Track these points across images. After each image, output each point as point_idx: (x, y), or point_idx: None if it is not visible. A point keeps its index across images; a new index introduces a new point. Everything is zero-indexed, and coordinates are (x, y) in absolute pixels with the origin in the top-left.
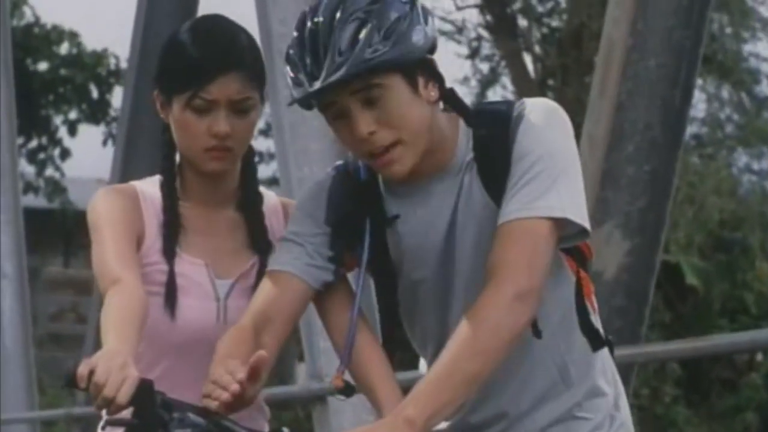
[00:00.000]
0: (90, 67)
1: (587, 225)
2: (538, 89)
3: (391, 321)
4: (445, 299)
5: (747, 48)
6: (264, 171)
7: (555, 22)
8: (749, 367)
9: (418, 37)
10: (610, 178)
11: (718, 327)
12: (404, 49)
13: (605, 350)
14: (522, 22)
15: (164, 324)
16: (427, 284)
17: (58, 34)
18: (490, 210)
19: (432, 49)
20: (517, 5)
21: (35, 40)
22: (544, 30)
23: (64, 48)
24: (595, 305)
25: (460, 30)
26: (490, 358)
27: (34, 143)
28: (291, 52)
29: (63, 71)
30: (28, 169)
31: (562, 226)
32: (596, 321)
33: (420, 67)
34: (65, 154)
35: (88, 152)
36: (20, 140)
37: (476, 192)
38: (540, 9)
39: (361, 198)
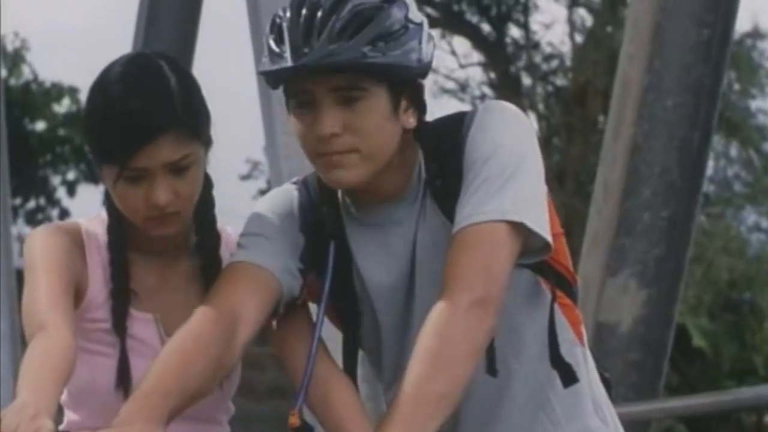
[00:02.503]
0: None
1: (547, 236)
2: (543, 148)
3: (353, 355)
4: (406, 337)
5: (755, 104)
6: (257, 184)
7: (560, 81)
8: (757, 428)
9: (417, 57)
10: (626, 224)
11: (726, 389)
12: (402, 62)
13: (598, 386)
14: (526, 80)
15: (110, 389)
16: (388, 321)
17: (57, 91)
18: (447, 231)
19: (424, 74)
20: (521, 63)
21: (33, 98)
22: (549, 88)
23: (63, 105)
24: (584, 337)
25: (464, 88)
26: (454, 374)
27: (32, 204)
28: (279, 18)
29: (61, 131)
30: (26, 230)
31: (520, 233)
32: (579, 354)
33: (408, 89)
34: (64, 214)
35: (87, 213)
36: (18, 201)
37: (432, 215)
38: (544, 67)
39: (324, 218)
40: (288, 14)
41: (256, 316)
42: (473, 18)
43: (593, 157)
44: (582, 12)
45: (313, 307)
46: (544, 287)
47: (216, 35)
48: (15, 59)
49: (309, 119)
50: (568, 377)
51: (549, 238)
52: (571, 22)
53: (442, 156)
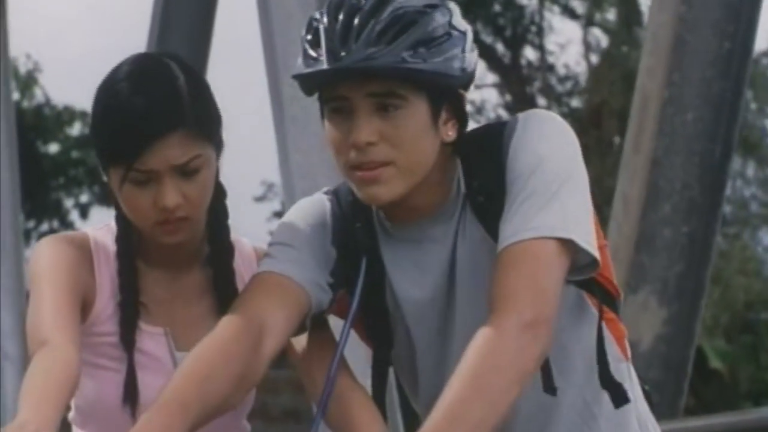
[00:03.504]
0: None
1: (595, 253)
2: None
3: (383, 375)
4: (445, 360)
5: None
6: (272, 206)
7: (575, 102)
8: None
9: (460, 65)
10: (646, 240)
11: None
12: (443, 70)
13: (642, 402)
14: (541, 102)
15: (118, 405)
16: (423, 341)
17: (69, 114)
18: (488, 248)
19: (467, 85)
20: (536, 85)
21: (46, 121)
22: (564, 109)
23: (76, 128)
24: (628, 351)
25: (479, 110)
26: (496, 401)
27: (45, 227)
28: (316, 21)
29: (74, 153)
30: None
31: (569, 250)
32: (624, 370)
33: (449, 99)
34: None
35: None
36: (31, 224)
37: (473, 231)
38: (559, 88)
39: (357, 233)
40: (325, 17)
41: (283, 329)
42: (488, 39)
43: (609, 178)
44: (597, 32)
45: (335, 322)
46: (590, 303)
47: (228, 57)
48: (27, 82)
49: (344, 127)
50: (619, 397)
51: (597, 254)
52: (586, 43)
53: (482, 170)
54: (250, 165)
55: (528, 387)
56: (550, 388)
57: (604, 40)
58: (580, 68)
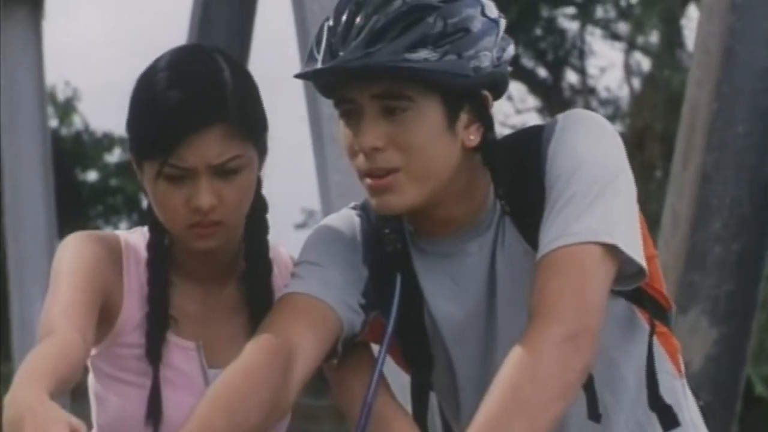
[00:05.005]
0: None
1: (642, 261)
2: None
3: (424, 399)
4: (488, 380)
5: None
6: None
7: (617, 126)
8: None
9: (477, 64)
10: (695, 258)
11: None
12: (453, 69)
13: (698, 420)
14: None
15: (141, 423)
16: (463, 362)
17: (108, 141)
18: (530, 260)
19: (493, 86)
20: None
21: (85, 148)
22: None
23: (115, 155)
24: (682, 367)
25: None
26: (538, 416)
27: None
28: (325, 21)
29: (113, 181)
30: None
31: (614, 256)
32: (679, 387)
33: (469, 101)
34: None
35: None
36: None
37: (512, 242)
38: (601, 112)
39: (388, 250)
40: (334, 12)
41: (314, 353)
42: (529, 63)
43: (653, 203)
44: (639, 56)
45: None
46: (640, 317)
47: (265, 82)
48: (66, 109)
49: (353, 131)
50: (669, 420)
51: (643, 263)
52: (627, 66)
53: (519, 176)
54: (290, 192)
55: (574, 404)
56: (594, 415)
57: (645, 63)
58: (622, 92)
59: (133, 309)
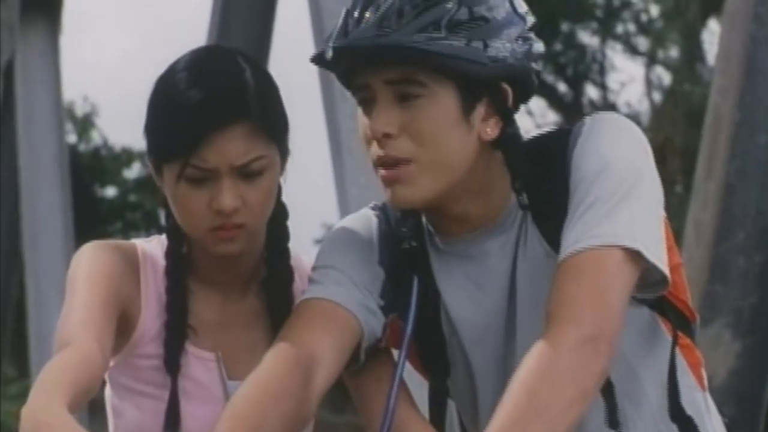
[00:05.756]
0: (160, 190)
1: (665, 269)
2: None
3: (442, 405)
4: (505, 387)
5: None
6: None
7: None
8: None
9: (498, 53)
10: (719, 270)
11: None
12: (467, 55)
13: None
14: None
15: None
16: (482, 366)
17: (127, 156)
18: (552, 263)
19: (514, 80)
20: None
21: (103, 163)
22: None
23: (134, 170)
24: (705, 380)
25: None
26: (555, 421)
27: None
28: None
29: (132, 197)
30: None
31: (636, 261)
32: (701, 401)
33: (487, 93)
34: None
35: None
36: None
37: (534, 244)
38: None
39: (405, 251)
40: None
41: (335, 360)
42: (549, 78)
43: (673, 218)
44: (659, 70)
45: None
46: (664, 328)
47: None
48: (84, 124)
49: (368, 117)
50: None
51: (666, 271)
52: (648, 81)
53: (543, 177)
54: (309, 207)
55: (592, 410)
56: (613, 422)
57: (666, 78)
58: (642, 106)
59: (150, 319)
